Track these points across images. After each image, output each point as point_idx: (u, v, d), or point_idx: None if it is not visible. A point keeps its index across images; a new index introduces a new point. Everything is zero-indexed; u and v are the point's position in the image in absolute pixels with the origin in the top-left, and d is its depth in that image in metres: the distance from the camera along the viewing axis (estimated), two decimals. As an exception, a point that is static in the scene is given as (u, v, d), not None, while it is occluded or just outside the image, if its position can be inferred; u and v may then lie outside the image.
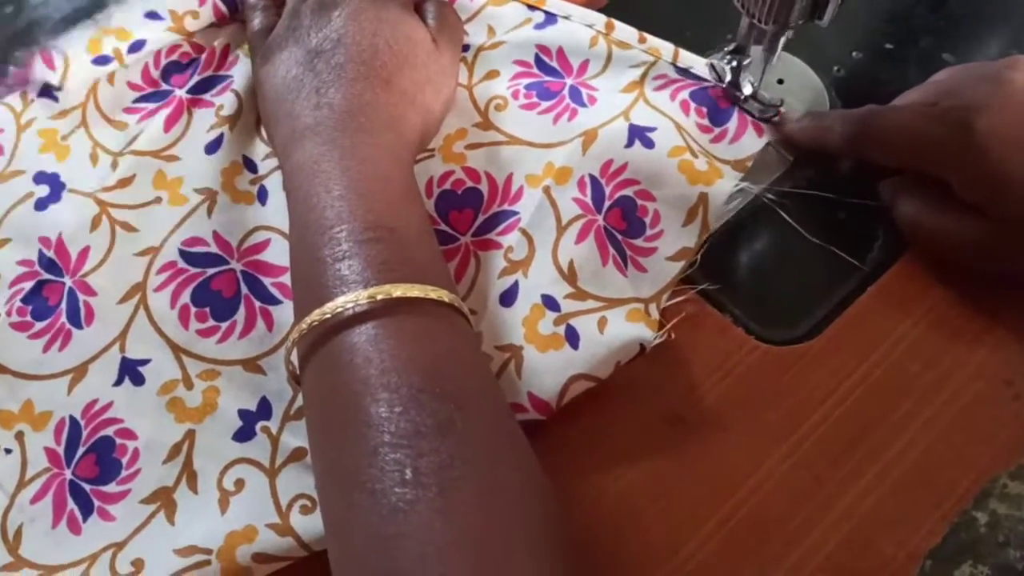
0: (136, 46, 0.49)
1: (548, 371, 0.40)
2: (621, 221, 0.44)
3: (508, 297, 0.42)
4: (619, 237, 0.44)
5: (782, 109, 0.47)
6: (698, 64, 0.48)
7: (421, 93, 0.44)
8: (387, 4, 0.45)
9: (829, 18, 0.41)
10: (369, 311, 0.34)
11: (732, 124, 0.47)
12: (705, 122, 0.47)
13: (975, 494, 0.38)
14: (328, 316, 0.33)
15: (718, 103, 0.47)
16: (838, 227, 0.46)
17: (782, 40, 0.44)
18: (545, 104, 0.47)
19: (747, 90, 0.48)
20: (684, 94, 0.47)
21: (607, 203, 0.44)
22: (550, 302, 0.41)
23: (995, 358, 0.42)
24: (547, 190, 0.44)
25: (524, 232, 0.43)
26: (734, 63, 0.47)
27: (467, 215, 0.44)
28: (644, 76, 0.48)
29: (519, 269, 0.42)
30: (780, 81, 0.50)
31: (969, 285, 0.43)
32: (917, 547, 0.37)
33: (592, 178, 0.44)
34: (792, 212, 0.46)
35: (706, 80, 0.48)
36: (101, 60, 0.49)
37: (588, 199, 0.44)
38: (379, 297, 0.33)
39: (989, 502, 0.37)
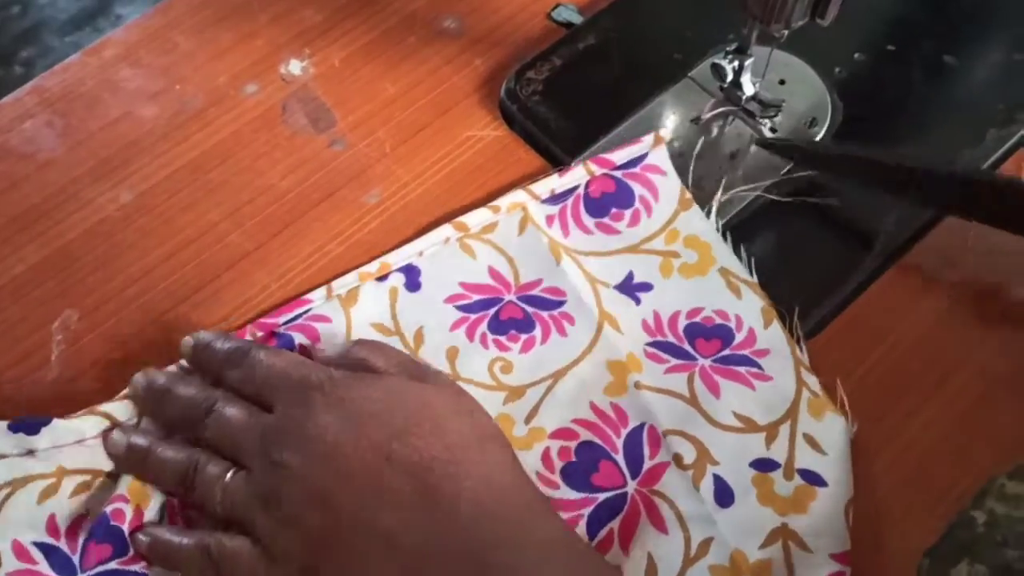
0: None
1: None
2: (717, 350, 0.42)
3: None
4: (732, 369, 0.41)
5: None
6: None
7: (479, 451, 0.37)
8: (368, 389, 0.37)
9: (831, 18, 0.41)
10: None
11: (637, 191, 0.46)
12: (623, 221, 0.45)
13: (974, 494, 0.38)
14: None
15: (603, 196, 0.45)
16: (839, 228, 0.46)
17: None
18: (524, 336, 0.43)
19: (748, 90, 0.48)
20: (587, 219, 0.45)
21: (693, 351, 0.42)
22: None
23: (996, 359, 0.42)
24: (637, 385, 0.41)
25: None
26: (736, 63, 0.47)
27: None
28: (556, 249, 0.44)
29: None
30: (782, 82, 0.50)
31: (971, 287, 0.43)
32: (915, 546, 0.37)
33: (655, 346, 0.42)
34: (792, 213, 0.46)
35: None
36: None
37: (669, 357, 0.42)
38: None
39: (987, 502, 0.37)
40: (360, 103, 0.51)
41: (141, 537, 0.37)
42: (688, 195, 0.45)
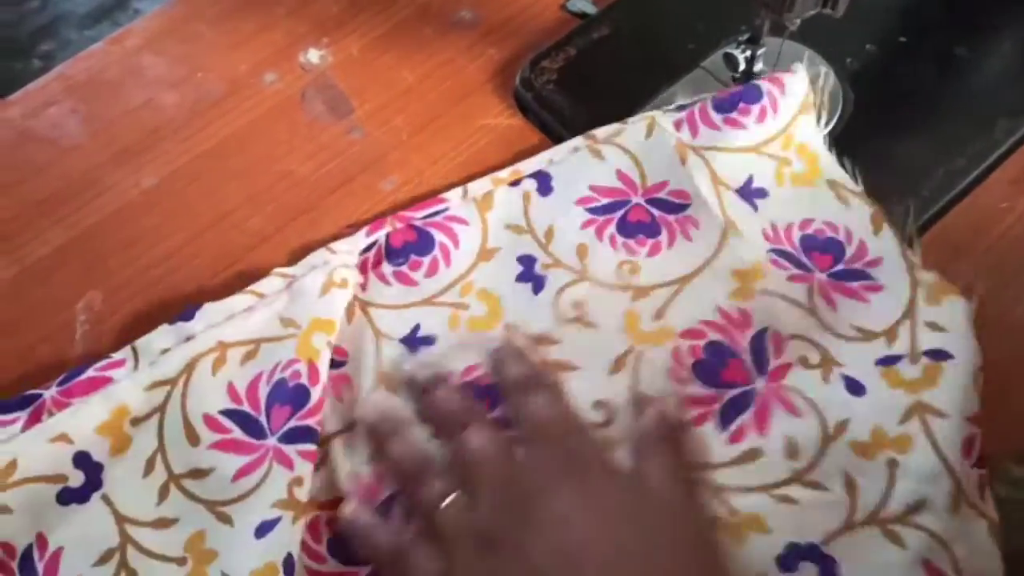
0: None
1: None
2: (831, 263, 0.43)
3: None
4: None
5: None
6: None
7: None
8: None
9: (843, 8, 0.41)
10: None
11: (764, 87, 0.45)
12: (750, 116, 0.45)
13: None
14: None
15: (732, 95, 0.46)
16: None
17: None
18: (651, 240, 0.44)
19: (760, 80, 0.48)
20: (715, 116, 0.46)
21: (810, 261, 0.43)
22: None
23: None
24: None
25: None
26: (748, 53, 0.48)
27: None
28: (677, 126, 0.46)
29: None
30: (794, 72, 0.50)
31: (981, 274, 0.44)
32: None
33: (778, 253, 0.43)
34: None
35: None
36: None
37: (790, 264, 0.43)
38: None
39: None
40: (377, 91, 0.52)
41: (348, 516, 0.37)
42: (811, 97, 0.46)
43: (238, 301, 0.42)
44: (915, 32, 0.52)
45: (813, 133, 0.46)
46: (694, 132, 0.45)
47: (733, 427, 0.39)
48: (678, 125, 0.46)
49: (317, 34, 0.53)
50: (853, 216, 0.44)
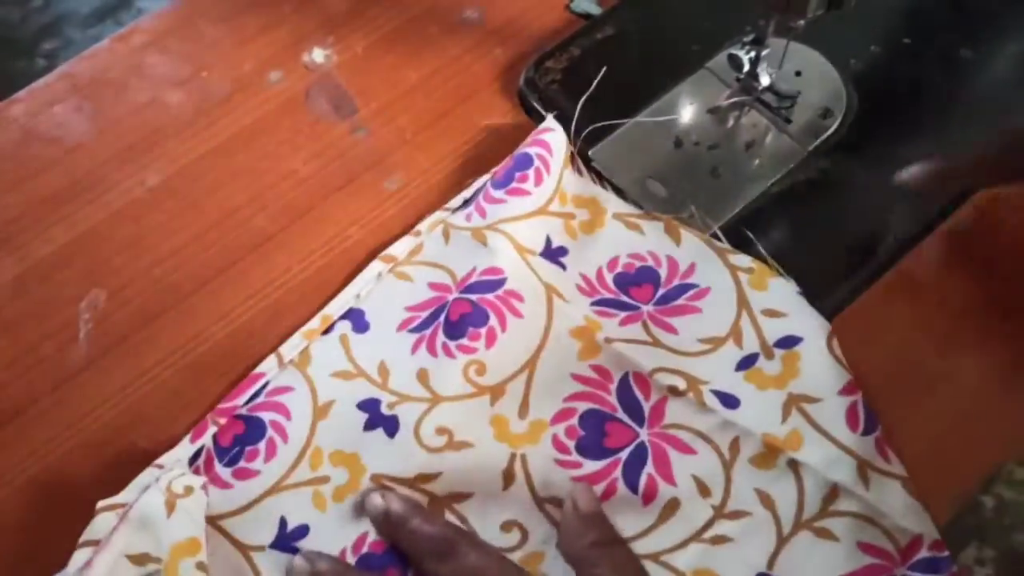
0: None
1: None
2: None
3: None
4: None
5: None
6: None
7: None
8: None
9: (849, 6, 0.41)
10: None
11: (532, 152, 0.45)
12: (528, 182, 0.45)
13: (982, 479, 0.38)
14: None
15: (506, 171, 0.45)
16: (850, 217, 0.46)
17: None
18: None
19: (765, 81, 0.48)
20: (497, 193, 0.45)
21: None
22: None
23: (1005, 348, 0.42)
24: None
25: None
26: (752, 54, 0.48)
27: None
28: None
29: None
30: (798, 73, 0.50)
31: (981, 277, 0.44)
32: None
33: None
34: (804, 203, 0.46)
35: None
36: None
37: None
38: None
39: (996, 487, 0.38)
40: (382, 91, 0.52)
41: None
42: (570, 151, 0.46)
43: (74, 560, 0.36)
44: (919, 34, 0.52)
45: (578, 182, 0.46)
46: (483, 214, 0.44)
47: (642, 485, 0.39)
48: (469, 217, 0.45)
49: (322, 33, 0.54)
50: (651, 238, 0.45)
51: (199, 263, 0.46)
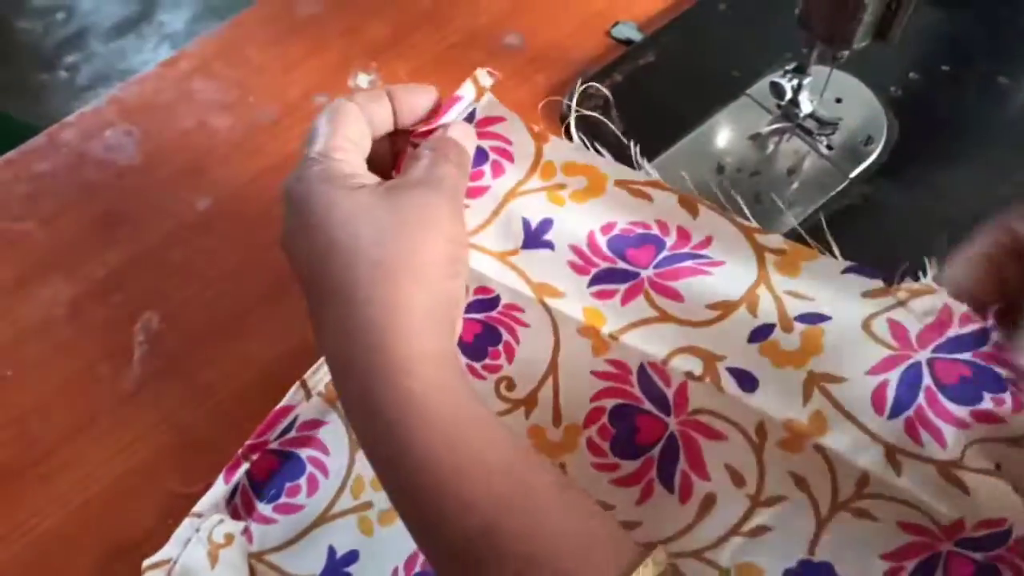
0: None
1: None
2: None
3: None
4: None
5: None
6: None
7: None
8: None
9: (895, 38, 0.42)
10: None
11: (486, 144, 0.40)
12: (484, 177, 0.40)
13: None
14: None
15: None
16: (892, 242, 0.47)
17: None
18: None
19: (806, 108, 0.49)
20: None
21: None
22: None
23: None
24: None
25: None
26: (794, 82, 0.48)
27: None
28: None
29: None
30: (838, 100, 0.51)
31: None
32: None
33: None
34: (846, 228, 0.47)
35: None
36: None
37: None
38: None
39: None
40: (426, 116, 0.52)
41: None
42: (537, 129, 0.41)
43: None
44: (958, 61, 0.52)
45: (572, 149, 0.41)
46: None
47: (677, 483, 0.38)
48: None
49: (366, 58, 0.54)
50: (660, 208, 0.40)
51: (249, 286, 0.47)
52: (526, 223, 0.40)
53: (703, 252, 0.39)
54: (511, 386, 0.40)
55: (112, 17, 1.71)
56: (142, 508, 0.42)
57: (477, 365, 0.40)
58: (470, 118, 0.40)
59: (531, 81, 0.54)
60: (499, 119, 0.41)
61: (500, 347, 0.40)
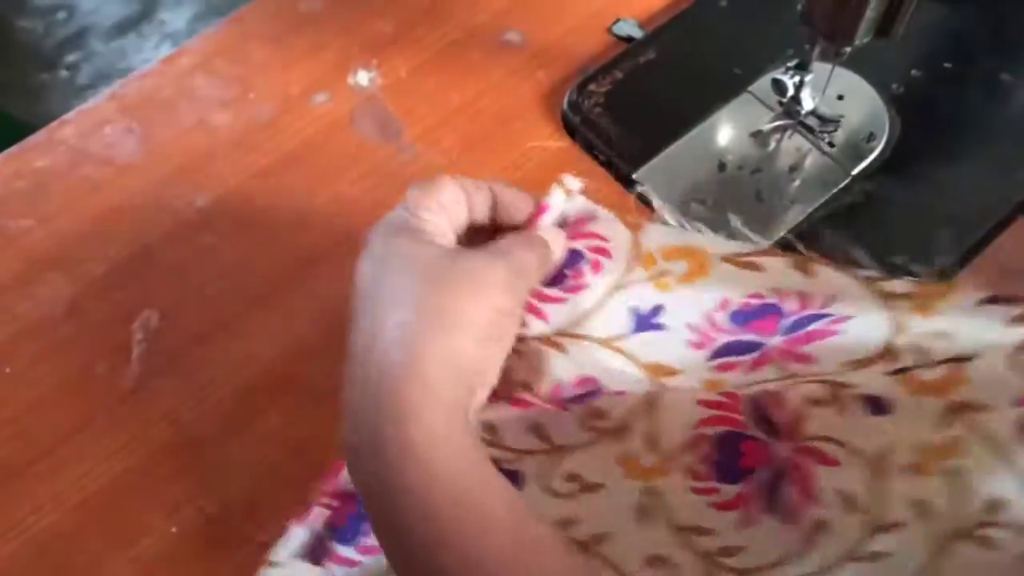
0: None
1: None
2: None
3: None
4: None
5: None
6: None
7: None
8: None
9: (898, 35, 0.42)
10: None
11: (580, 245, 0.37)
12: (584, 276, 0.37)
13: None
14: None
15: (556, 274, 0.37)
16: (894, 240, 0.46)
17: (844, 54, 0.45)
18: None
19: (808, 105, 0.49)
20: (551, 291, 0.37)
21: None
22: None
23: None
24: None
25: None
26: (796, 79, 0.48)
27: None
28: None
29: None
30: (840, 97, 0.50)
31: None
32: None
33: None
34: (848, 226, 0.47)
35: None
36: None
37: None
38: None
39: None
40: (426, 113, 0.52)
41: None
42: (630, 218, 0.38)
43: None
44: (960, 58, 0.52)
45: (667, 232, 0.37)
46: (544, 317, 0.37)
47: (784, 508, 0.36)
48: (524, 324, 0.37)
49: (366, 56, 0.54)
50: (773, 275, 0.36)
51: (249, 284, 0.47)
52: (635, 312, 0.37)
53: (828, 310, 0.35)
54: (600, 415, 0.38)
55: (113, 16, 1.71)
56: (140, 506, 0.41)
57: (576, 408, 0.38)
58: (562, 224, 0.38)
59: (532, 78, 0.53)
60: (591, 217, 0.38)
61: (597, 398, 0.38)
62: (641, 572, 0.37)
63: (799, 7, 0.43)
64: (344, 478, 0.39)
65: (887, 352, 0.34)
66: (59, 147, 0.52)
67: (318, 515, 0.38)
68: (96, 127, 0.52)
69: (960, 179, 0.48)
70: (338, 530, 0.38)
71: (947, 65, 0.52)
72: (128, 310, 0.46)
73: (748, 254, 0.36)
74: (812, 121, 0.49)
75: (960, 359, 0.34)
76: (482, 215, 0.37)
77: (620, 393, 0.37)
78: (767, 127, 0.50)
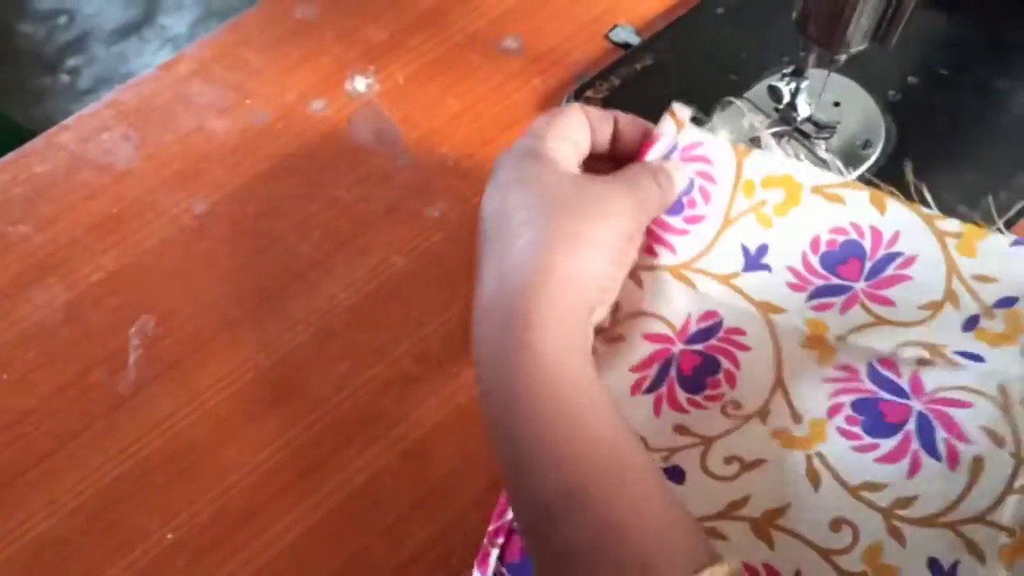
0: None
1: None
2: None
3: None
4: None
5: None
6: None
7: None
8: None
9: (893, 42, 0.42)
10: None
11: (690, 170, 0.41)
12: (697, 207, 0.41)
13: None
14: None
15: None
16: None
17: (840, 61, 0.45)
18: None
19: (804, 112, 0.49)
20: (672, 220, 0.41)
21: None
22: None
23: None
24: None
25: None
26: (792, 85, 0.48)
27: None
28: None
29: None
30: (836, 104, 0.51)
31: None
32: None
33: None
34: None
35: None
36: None
37: None
38: None
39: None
40: (423, 119, 0.52)
41: None
42: (741, 146, 0.41)
43: None
44: (956, 65, 0.52)
45: (767, 161, 0.41)
46: (672, 248, 0.40)
47: (942, 451, 0.39)
48: (654, 253, 0.41)
49: (363, 62, 0.54)
50: (853, 208, 0.41)
51: (245, 290, 0.47)
52: (745, 249, 0.41)
53: (895, 249, 0.41)
54: (738, 406, 0.41)
55: (114, 21, 1.72)
56: (136, 512, 0.41)
57: (698, 397, 0.41)
58: (672, 152, 0.42)
59: (529, 84, 0.53)
60: (699, 143, 0.42)
61: (720, 376, 0.41)
62: (827, 537, 0.39)
63: (794, 14, 0.43)
64: (509, 515, 0.41)
65: (949, 296, 0.40)
66: (57, 153, 0.52)
67: (494, 556, 0.40)
68: (94, 133, 0.52)
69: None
70: (517, 567, 0.40)
71: (943, 72, 0.52)
72: (125, 316, 0.46)
73: (835, 185, 0.41)
74: (808, 127, 0.49)
75: (1007, 301, 0.39)
76: (603, 144, 0.39)
77: (742, 346, 0.41)
78: (763, 133, 0.50)
